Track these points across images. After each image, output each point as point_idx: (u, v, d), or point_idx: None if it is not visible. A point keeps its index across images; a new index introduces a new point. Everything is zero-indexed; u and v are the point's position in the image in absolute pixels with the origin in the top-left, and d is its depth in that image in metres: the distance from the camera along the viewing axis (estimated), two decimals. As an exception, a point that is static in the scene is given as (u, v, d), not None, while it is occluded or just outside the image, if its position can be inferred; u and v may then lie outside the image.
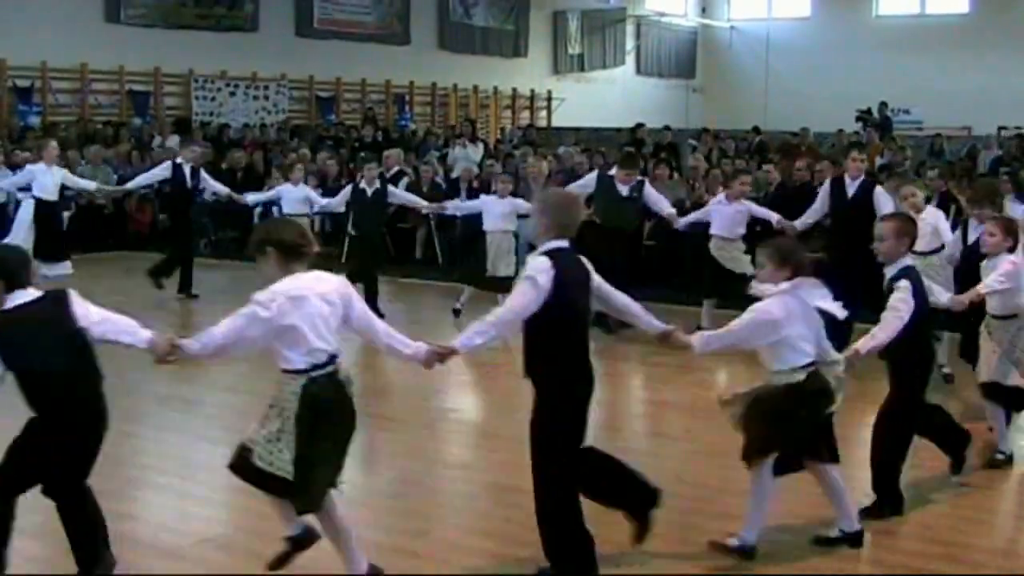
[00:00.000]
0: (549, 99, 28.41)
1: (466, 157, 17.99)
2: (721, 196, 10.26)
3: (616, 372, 8.80)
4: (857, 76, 27.52)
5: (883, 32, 30.21)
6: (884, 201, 8.61)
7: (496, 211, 10.89)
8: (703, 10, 33.62)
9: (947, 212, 11.03)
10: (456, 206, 12.20)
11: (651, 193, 10.62)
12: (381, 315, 6.62)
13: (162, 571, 4.88)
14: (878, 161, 17.04)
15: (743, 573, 4.86)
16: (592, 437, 6.23)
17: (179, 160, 12.05)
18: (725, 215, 9.92)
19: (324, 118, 22.92)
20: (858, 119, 22.58)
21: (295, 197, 11.87)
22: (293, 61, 22.47)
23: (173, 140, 18.61)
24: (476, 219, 11.36)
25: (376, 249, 11.53)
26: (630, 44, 31.50)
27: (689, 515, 5.49)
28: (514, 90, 27.60)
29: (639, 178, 10.70)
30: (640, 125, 20.95)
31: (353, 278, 11.13)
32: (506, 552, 4.94)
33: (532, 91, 28.21)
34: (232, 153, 17.54)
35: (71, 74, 19.67)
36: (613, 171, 10.71)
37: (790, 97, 28.34)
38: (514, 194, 11.41)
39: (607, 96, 29.42)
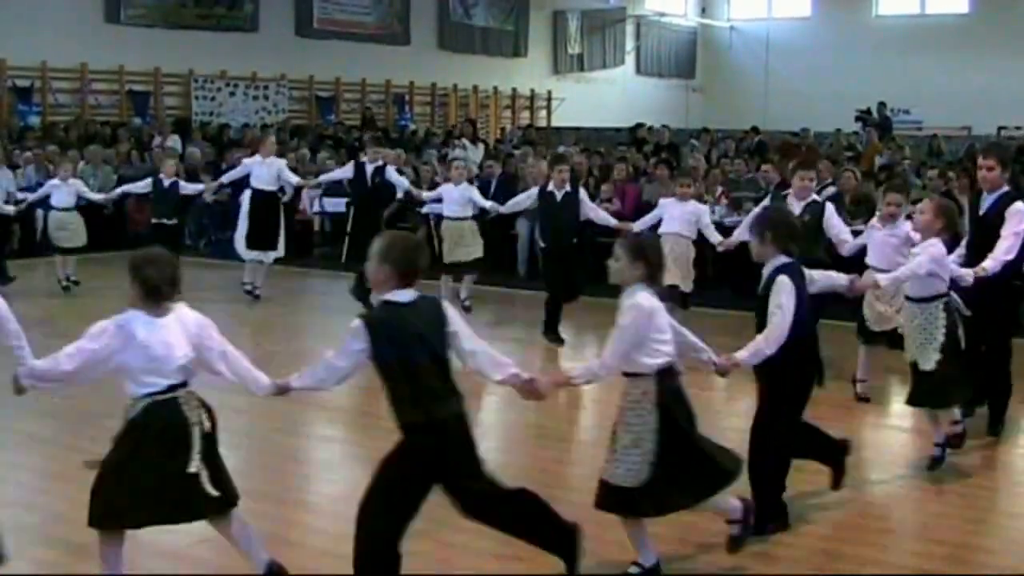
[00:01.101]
0: (549, 99, 28.41)
1: (465, 158, 17.98)
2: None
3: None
4: (857, 76, 27.52)
5: (883, 32, 30.22)
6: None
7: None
8: (703, 10, 33.63)
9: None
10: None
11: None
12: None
13: (162, 571, 4.88)
14: (877, 161, 17.06)
15: (743, 573, 4.86)
16: (592, 438, 6.23)
17: (363, 159, 12.12)
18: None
19: (324, 118, 22.93)
20: (857, 119, 22.60)
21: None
22: (293, 61, 22.48)
23: (173, 140, 18.65)
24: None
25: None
26: (630, 44, 31.50)
27: (688, 515, 5.48)
28: (514, 90, 27.61)
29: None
30: (640, 125, 20.98)
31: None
32: (506, 552, 4.93)
33: (532, 91, 28.22)
34: (232, 153, 17.53)
35: (71, 74, 19.68)
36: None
37: (790, 97, 28.36)
38: (513, 193, 11.49)
39: (607, 96, 29.43)
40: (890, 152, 17.86)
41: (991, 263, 6.44)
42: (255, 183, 12.13)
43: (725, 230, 10.44)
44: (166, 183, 12.12)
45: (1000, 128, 22.19)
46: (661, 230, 9.43)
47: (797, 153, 15.24)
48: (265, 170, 12.15)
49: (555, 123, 27.04)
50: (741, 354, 4.96)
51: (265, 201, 12.15)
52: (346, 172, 12.38)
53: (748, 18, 33.11)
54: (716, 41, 33.63)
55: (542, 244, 10.28)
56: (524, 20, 28.11)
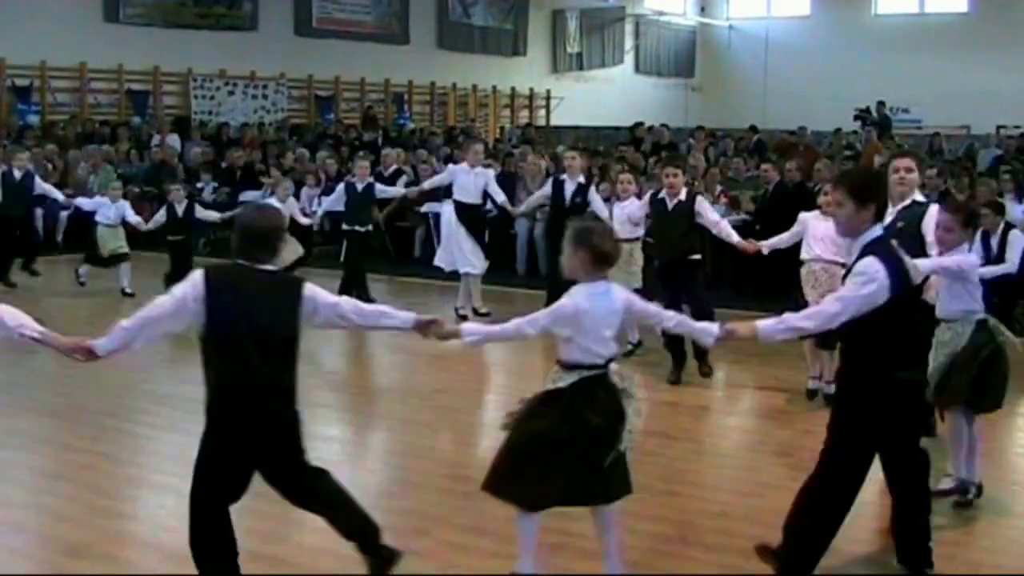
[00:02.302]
0: (548, 98, 28.41)
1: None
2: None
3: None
4: (856, 75, 27.52)
5: (882, 31, 30.22)
6: None
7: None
8: (702, 9, 33.63)
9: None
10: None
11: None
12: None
13: (162, 571, 4.88)
14: (877, 160, 17.05)
15: (743, 573, 4.85)
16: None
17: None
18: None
19: (323, 117, 22.93)
20: (856, 118, 22.59)
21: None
22: (292, 60, 22.48)
23: (172, 139, 18.66)
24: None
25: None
26: (629, 43, 31.50)
27: (688, 515, 5.49)
28: (513, 89, 27.60)
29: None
30: (639, 124, 20.96)
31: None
32: (506, 552, 4.93)
33: (531, 90, 28.22)
34: (231, 152, 17.55)
35: (70, 73, 19.68)
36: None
37: (789, 96, 28.36)
38: (511, 192, 11.50)
39: (606, 95, 29.42)
40: (889, 151, 17.86)
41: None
42: (457, 194, 11.08)
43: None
44: (359, 186, 11.51)
45: (999, 127, 22.19)
46: (805, 255, 7.91)
47: (795, 152, 15.26)
48: (471, 180, 11.05)
49: (554, 122, 27.05)
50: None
51: (468, 214, 11.04)
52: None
53: (747, 17, 33.11)
54: (715, 40, 33.63)
55: (656, 260, 8.89)
56: (523, 19, 28.11)
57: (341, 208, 11.76)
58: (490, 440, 7.16)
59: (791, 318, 4.44)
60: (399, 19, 25.07)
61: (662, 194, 8.60)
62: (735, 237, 8.53)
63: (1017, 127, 22.38)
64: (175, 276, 11.56)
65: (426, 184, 12.34)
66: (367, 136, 20.74)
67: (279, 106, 22.50)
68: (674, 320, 4.75)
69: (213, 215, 12.52)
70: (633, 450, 4.50)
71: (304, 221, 12.27)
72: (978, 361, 5.54)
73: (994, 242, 10.20)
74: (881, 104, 23.44)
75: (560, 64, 29.33)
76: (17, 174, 12.39)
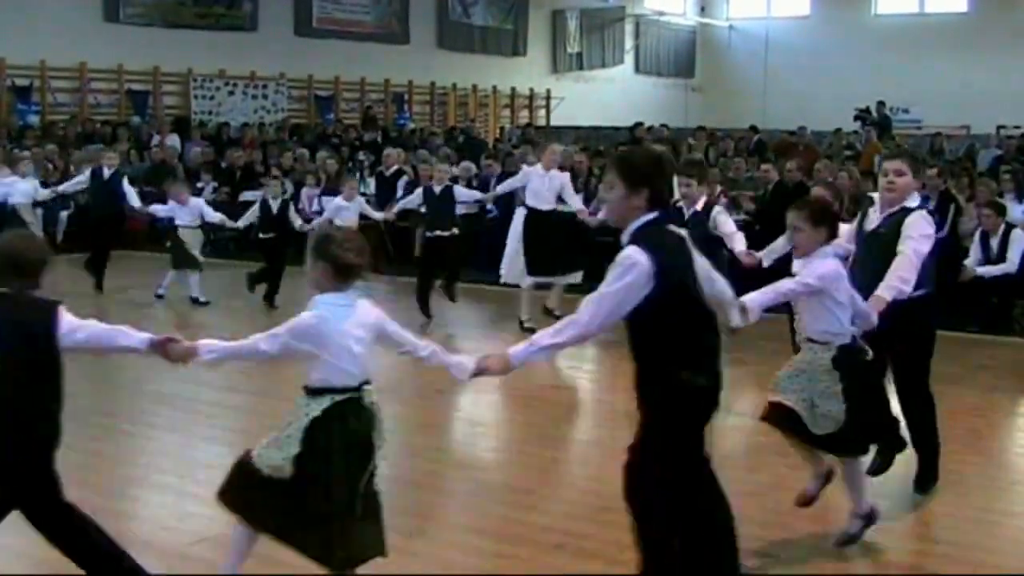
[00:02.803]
0: (548, 98, 28.42)
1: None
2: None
3: (616, 371, 8.78)
4: (856, 75, 27.52)
5: (882, 31, 30.23)
6: None
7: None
8: (702, 9, 33.63)
9: (946, 211, 11.09)
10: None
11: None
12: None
13: (162, 571, 4.88)
14: (877, 160, 17.03)
15: (743, 573, 4.85)
16: (592, 437, 6.24)
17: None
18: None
19: (323, 117, 22.93)
20: (856, 118, 22.59)
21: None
22: (292, 60, 22.48)
23: (172, 139, 18.66)
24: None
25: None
26: (629, 43, 31.50)
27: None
28: (513, 89, 27.60)
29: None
30: (639, 124, 20.96)
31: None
32: (506, 552, 4.93)
33: (531, 90, 28.22)
34: (231, 152, 17.55)
35: (70, 73, 19.68)
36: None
37: (789, 96, 28.37)
38: (511, 193, 11.38)
39: (606, 95, 29.42)
40: (888, 151, 17.85)
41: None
42: (531, 199, 10.41)
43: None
44: (436, 190, 10.82)
45: (999, 127, 22.19)
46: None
47: (795, 152, 15.26)
48: (545, 184, 10.32)
49: (554, 122, 27.05)
50: None
51: (541, 221, 10.33)
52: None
53: (747, 17, 33.11)
54: (715, 40, 33.63)
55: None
56: (523, 19, 28.11)
57: (416, 209, 11.30)
58: (491, 440, 7.17)
59: (541, 337, 4.03)
60: (399, 19, 25.07)
61: (679, 202, 8.10)
62: (739, 247, 8.03)
63: (1017, 127, 22.38)
64: (263, 275, 11.57)
65: (499, 188, 11.58)
66: (367, 136, 20.75)
67: (279, 106, 22.51)
68: (428, 350, 4.35)
69: (298, 221, 11.84)
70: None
71: (377, 216, 11.79)
72: (837, 401, 4.83)
73: (994, 242, 10.22)
74: (881, 104, 23.44)
75: (560, 64, 29.33)
76: (106, 172, 12.19)
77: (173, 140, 18.68)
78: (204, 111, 21.21)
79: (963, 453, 6.49)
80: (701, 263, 4.14)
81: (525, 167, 11.22)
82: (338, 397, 4.04)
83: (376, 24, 24.59)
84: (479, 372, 4.15)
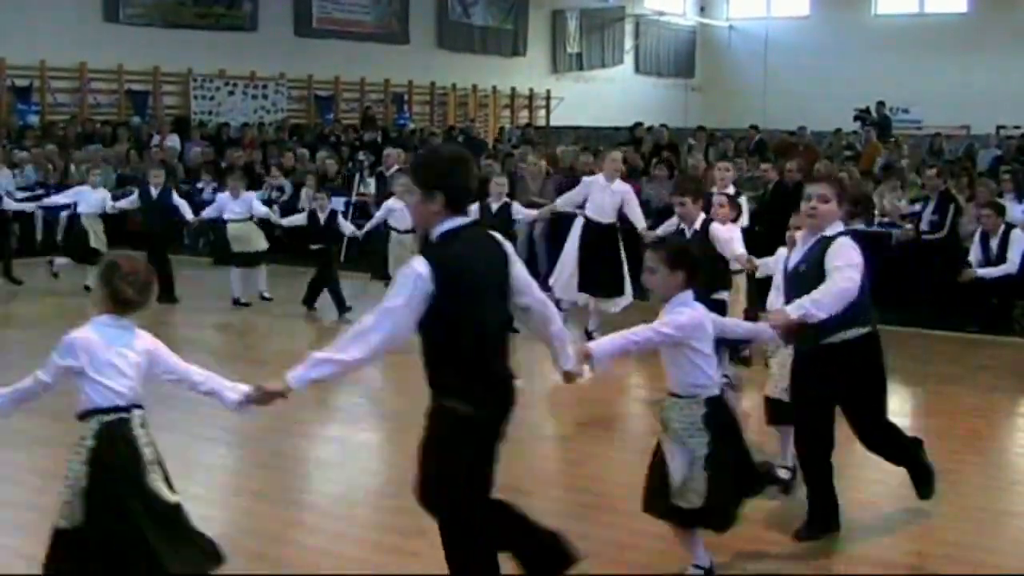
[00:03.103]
0: (548, 98, 28.43)
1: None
2: None
3: (616, 371, 8.78)
4: (856, 75, 27.54)
5: (882, 31, 30.25)
6: None
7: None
8: (702, 9, 33.66)
9: (946, 211, 11.10)
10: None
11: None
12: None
13: (162, 571, 4.87)
14: (878, 161, 17.05)
15: (743, 573, 4.86)
16: (591, 437, 6.23)
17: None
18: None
19: (323, 117, 22.94)
20: (856, 118, 22.60)
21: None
22: (292, 60, 22.50)
23: (172, 139, 18.66)
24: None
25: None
26: (629, 43, 31.51)
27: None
28: (513, 89, 27.62)
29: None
30: (639, 124, 20.96)
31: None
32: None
33: (531, 90, 28.23)
34: (231, 152, 17.55)
35: (70, 73, 19.69)
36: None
37: (789, 96, 28.38)
38: (511, 194, 11.32)
39: (606, 95, 29.44)
40: (888, 151, 17.87)
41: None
42: (591, 211, 9.88)
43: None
44: (494, 207, 10.31)
45: (999, 127, 22.21)
46: None
47: (795, 152, 15.25)
48: (607, 197, 9.79)
49: (554, 122, 27.06)
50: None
51: (600, 234, 9.80)
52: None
53: (747, 17, 33.14)
54: (715, 40, 33.65)
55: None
56: (523, 19, 28.12)
57: None
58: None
59: (311, 369, 3.84)
60: (399, 19, 25.08)
61: (680, 224, 7.81)
62: (739, 250, 7.66)
63: (1017, 127, 22.40)
64: (320, 284, 11.46)
65: (559, 201, 10.71)
66: (367, 136, 20.75)
67: (279, 106, 22.52)
68: (203, 376, 4.24)
69: (349, 227, 11.89)
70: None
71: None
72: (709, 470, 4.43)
73: (994, 243, 10.23)
74: (881, 104, 23.46)
75: (560, 64, 29.35)
76: (154, 192, 12.16)
77: (173, 140, 18.68)
78: (204, 111, 21.22)
79: (963, 453, 6.50)
80: (522, 278, 3.95)
81: (586, 178, 10.50)
82: (106, 418, 3.97)
83: (376, 24, 24.60)
84: (250, 401, 4.03)
